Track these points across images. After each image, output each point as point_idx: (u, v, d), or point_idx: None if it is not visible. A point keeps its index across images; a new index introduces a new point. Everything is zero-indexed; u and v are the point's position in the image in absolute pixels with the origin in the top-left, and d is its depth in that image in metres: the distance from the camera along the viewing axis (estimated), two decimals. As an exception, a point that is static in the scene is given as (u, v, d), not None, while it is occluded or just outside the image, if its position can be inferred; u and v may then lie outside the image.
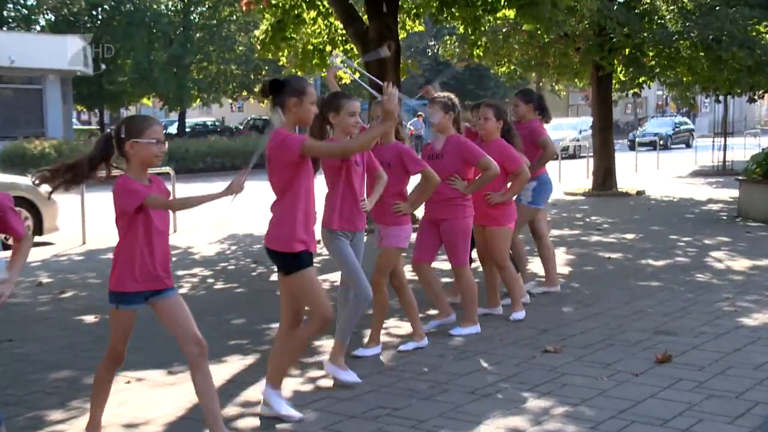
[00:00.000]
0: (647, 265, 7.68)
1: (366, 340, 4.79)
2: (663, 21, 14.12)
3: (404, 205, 4.49)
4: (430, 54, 41.24)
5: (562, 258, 8.04)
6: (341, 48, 12.94)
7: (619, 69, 15.16)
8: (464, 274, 5.05)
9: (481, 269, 5.92)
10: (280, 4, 12.22)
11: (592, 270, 7.47)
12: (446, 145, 5.03)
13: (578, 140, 27.31)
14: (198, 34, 35.40)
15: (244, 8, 12.22)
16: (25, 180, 10.12)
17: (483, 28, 14.44)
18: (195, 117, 47.90)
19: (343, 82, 14.15)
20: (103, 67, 32.05)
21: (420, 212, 5.25)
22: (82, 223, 10.04)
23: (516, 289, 5.48)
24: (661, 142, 29.03)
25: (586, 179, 17.13)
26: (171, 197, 3.36)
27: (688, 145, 23.73)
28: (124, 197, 3.09)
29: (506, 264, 5.36)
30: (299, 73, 13.77)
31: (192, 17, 34.96)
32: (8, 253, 3.12)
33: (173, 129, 37.10)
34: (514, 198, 5.44)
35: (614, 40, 13.65)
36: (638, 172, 20.02)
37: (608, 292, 6.47)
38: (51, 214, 9.69)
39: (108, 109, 36.99)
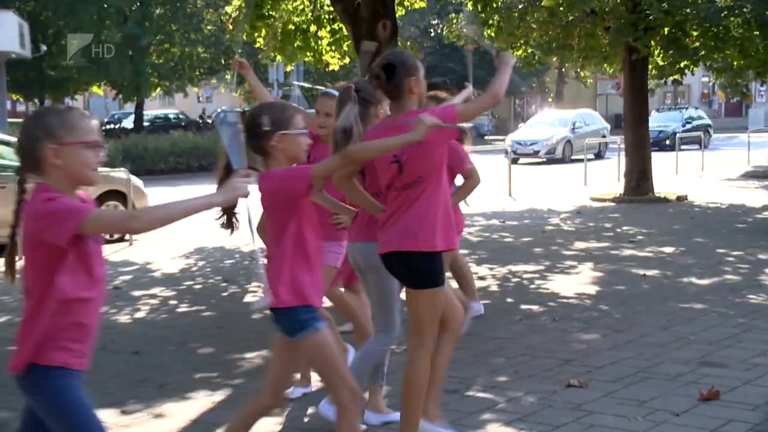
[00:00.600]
0: (690, 284, 7.72)
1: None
2: (709, -6, 14.19)
3: (345, 217, 4.18)
4: (433, 35, 41.39)
5: (588, 275, 8.08)
6: (328, 28, 13.00)
7: (656, 52, 15.23)
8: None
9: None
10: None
11: (624, 290, 7.51)
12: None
13: (570, 140, 26.41)
14: (158, 10, 35.46)
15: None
16: (120, 173, 11.48)
17: (495, 5, 14.56)
18: (155, 109, 47.95)
19: (331, 68, 14.20)
20: (44, 48, 32.05)
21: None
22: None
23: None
24: (667, 142, 27.93)
25: (617, 182, 17.20)
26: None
27: (703, 146, 23.30)
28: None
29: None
30: (278, 58, 13.84)
31: (151, -10, 35.03)
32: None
33: (129, 123, 37.18)
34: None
35: (651, 17, 13.71)
36: (679, 173, 20.10)
37: (643, 315, 6.50)
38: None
39: (50, 98, 36.98)
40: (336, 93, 4.40)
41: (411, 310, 3.62)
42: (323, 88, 4.36)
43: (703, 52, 14.87)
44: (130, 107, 42.04)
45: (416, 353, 3.62)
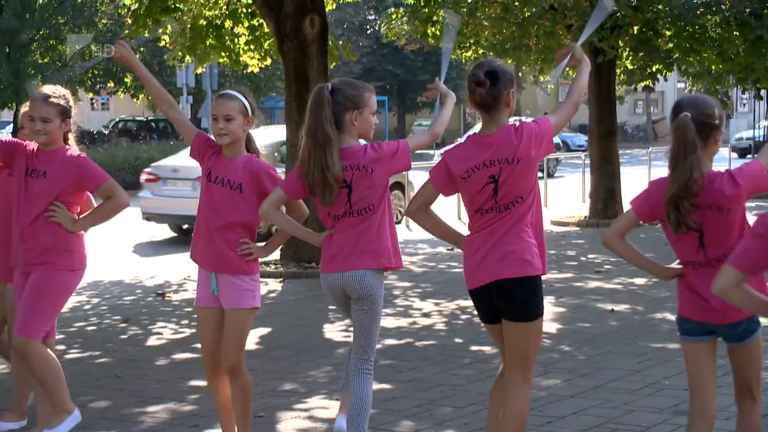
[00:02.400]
0: (663, 320, 7.90)
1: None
2: (684, -11, 14.54)
3: (255, 246, 4.42)
4: (369, 32, 41.70)
5: (548, 311, 8.22)
6: (246, 24, 13.02)
7: (624, 54, 15.60)
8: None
9: None
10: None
11: (590, 327, 7.65)
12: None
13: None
14: (42, 0, 34.96)
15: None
16: None
17: (440, -1, 14.76)
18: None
19: (250, 71, 14.22)
20: None
21: None
22: None
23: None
24: None
25: (581, 203, 17.53)
26: None
27: None
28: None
29: None
30: (187, 58, 13.80)
31: (33, -25, 34.55)
32: None
33: (6, 134, 36.46)
34: None
35: (618, 14, 14.05)
36: (652, 193, 20.53)
37: (611, 357, 6.64)
38: None
39: None
40: (235, 94, 4.44)
41: (516, 345, 3.91)
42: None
43: (677, 55, 15.24)
44: (7, 115, 41.24)
45: (523, 387, 3.94)
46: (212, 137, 4.56)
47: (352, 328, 4.38)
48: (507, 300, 3.89)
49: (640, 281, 9.81)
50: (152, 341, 7.57)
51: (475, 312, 8.65)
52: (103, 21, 35.98)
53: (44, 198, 4.61)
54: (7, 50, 33.85)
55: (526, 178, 3.92)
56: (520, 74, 44.86)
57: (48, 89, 4.76)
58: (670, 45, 15.11)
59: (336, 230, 4.21)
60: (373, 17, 40.50)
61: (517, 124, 4.00)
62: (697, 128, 3.63)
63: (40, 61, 35.21)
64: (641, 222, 3.97)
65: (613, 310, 8.32)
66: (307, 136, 4.20)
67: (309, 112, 4.21)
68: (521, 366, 3.94)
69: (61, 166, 4.64)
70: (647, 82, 16.33)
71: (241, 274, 4.40)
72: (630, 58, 15.64)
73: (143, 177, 14.67)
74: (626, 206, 14.98)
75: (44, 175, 4.63)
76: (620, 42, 14.78)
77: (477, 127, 4.75)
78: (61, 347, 7.33)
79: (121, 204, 4.71)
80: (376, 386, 4.99)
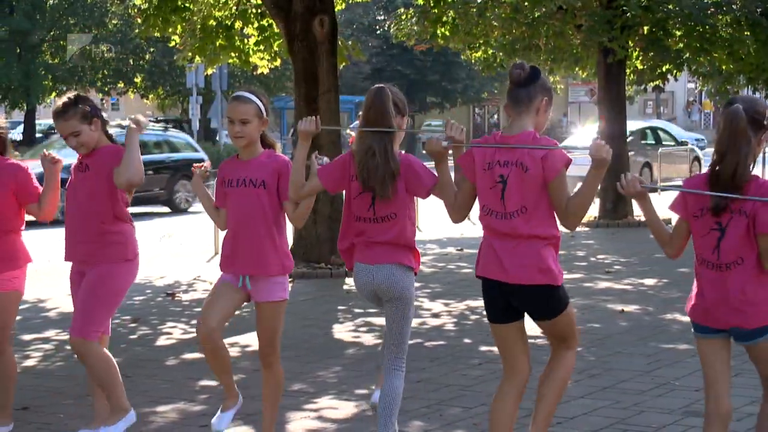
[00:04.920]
0: (674, 321, 7.89)
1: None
2: (694, -11, 14.51)
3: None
4: (379, 32, 41.70)
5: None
6: (256, 24, 13.03)
7: (635, 54, 15.57)
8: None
9: None
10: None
11: (600, 328, 7.64)
12: None
13: None
14: (52, 1, 35.07)
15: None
16: None
17: (450, -1, 14.75)
18: (49, 117, 47.13)
19: (260, 71, 14.22)
20: None
21: None
22: None
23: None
24: None
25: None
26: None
27: (690, 162, 23.58)
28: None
29: None
30: (197, 59, 13.81)
31: (44, -24, 34.65)
32: None
33: (18, 134, 36.59)
34: None
35: (628, 14, 14.03)
36: (662, 194, 20.50)
37: (621, 358, 6.63)
38: None
39: None
40: (250, 96, 4.49)
41: (555, 333, 4.14)
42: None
43: (687, 55, 15.20)
44: (18, 115, 41.39)
45: (570, 353, 4.18)
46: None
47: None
48: (535, 303, 4.09)
49: (650, 282, 9.79)
50: (162, 341, 7.59)
51: (485, 312, 8.68)
52: (113, 21, 36.07)
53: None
54: (18, 51, 33.96)
55: (532, 191, 3.92)
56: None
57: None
58: (681, 45, 15.07)
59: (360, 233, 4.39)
60: (382, 17, 40.50)
61: (538, 135, 4.03)
62: (748, 122, 3.63)
63: (50, 61, 35.33)
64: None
65: (623, 310, 8.31)
66: (370, 131, 4.27)
67: (374, 107, 4.31)
68: (568, 343, 4.17)
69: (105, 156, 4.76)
70: (657, 83, 16.27)
71: (278, 275, 4.56)
72: (640, 58, 15.60)
73: None
74: (636, 207, 14.95)
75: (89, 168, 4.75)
76: (630, 42, 14.74)
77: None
78: (70, 348, 7.35)
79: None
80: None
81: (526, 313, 4.13)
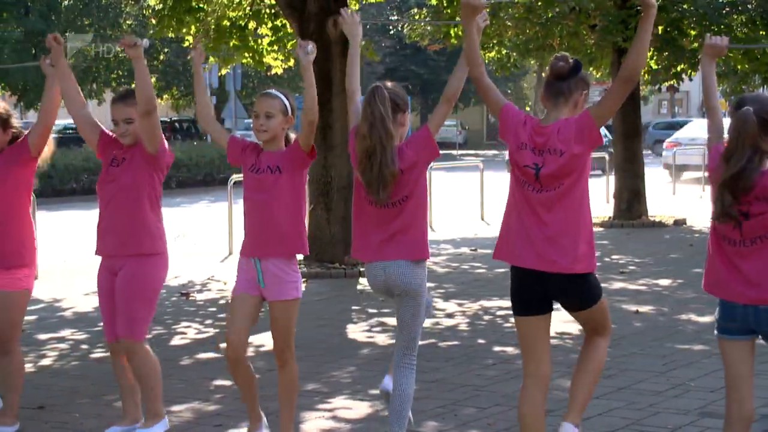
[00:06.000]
0: (689, 321, 7.86)
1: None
2: (710, -12, 14.47)
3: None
4: (392, 32, 41.71)
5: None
6: (269, 24, 13.05)
7: (649, 54, 15.53)
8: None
9: None
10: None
11: (614, 328, 7.55)
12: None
13: None
14: (67, 1, 35.21)
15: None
16: None
17: (464, -1, 14.72)
18: (64, 118, 47.32)
19: (274, 72, 14.24)
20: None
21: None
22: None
23: None
24: None
25: (605, 204, 17.46)
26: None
27: (705, 163, 23.74)
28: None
29: None
30: (211, 59, 13.84)
31: (59, -23, 34.78)
32: None
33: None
34: None
35: (642, 14, 13.98)
36: (677, 194, 20.47)
37: (636, 358, 6.60)
38: None
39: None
40: (277, 93, 4.54)
41: (591, 321, 4.18)
42: None
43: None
44: (33, 116, 41.57)
45: (603, 341, 4.23)
46: (237, 137, 4.81)
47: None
48: (568, 293, 4.14)
49: (664, 282, 9.76)
50: (176, 341, 7.60)
51: (499, 313, 8.67)
52: (128, 22, 36.17)
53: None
54: (34, 52, 34.08)
55: (567, 169, 3.97)
56: (543, 74, 44.76)
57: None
58: (695, 45, 15.01)
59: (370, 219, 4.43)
60: (395, 17, 40.49)
61: (567, 117, 4.08)
62: (759, 124, 3.62)
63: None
64: None
65: (637, 311, 8.28)
66: (369, 133, 4.30)
67: (371, 110, 4.32)
68: (602, 333, 4.23)
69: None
70: (672, 82, 16.24)
71: (288, 257, 4.57)
72: (654, 58, 15.57)
73: None
74: (651, 207, 15.00)
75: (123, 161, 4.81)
76: (645, 42, 14.68)
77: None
78: (86, 347, 7.39)
79: None
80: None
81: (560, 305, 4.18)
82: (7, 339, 5.04)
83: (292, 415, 4.78)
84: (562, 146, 3.97)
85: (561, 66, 4.05)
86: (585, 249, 4.00)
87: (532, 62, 20.24)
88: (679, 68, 15.35)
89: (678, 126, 31.03)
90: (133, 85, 4.84)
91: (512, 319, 8.11)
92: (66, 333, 7.92)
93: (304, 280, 10.15)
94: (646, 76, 16.30)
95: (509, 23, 15.26)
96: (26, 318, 8.56)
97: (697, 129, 27.87)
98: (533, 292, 4.08)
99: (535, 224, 4.02)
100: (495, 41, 15.94)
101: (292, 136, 4.74)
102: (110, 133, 4.98)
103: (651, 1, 3.94)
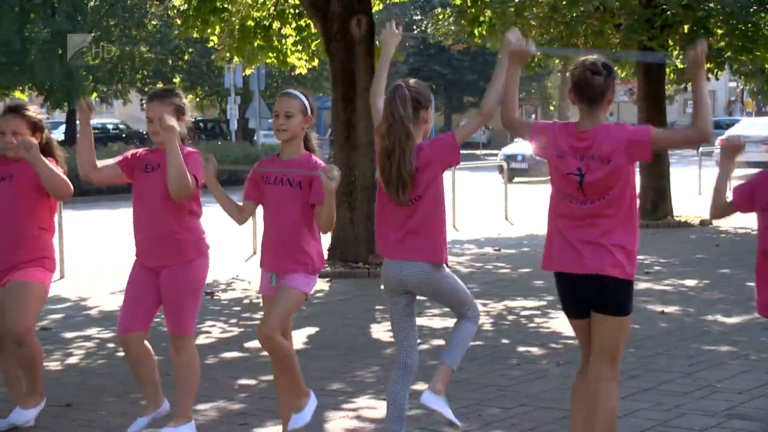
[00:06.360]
0: (715, 322, 7.81)
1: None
2: (736, -14, 14.37)
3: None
4: (416, 32, 41.69)
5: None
6: (293, 24, 13.08)
7: (675, 53, 15.44)
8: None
9: None
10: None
11: (640, 329, 7.57)
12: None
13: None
14: (93, 2, 35.44)
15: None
16: None
17: (488, -2, 14.71)
18: (91, 118, 47.53)
19: (298, 71, 14.27)
20: (-45, 47, 31.79)
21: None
22: None
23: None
24: None
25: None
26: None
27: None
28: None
29: None
30: (236, 59, 13.89)
31: (85, -22, 35.00)
32: None
33: (59, 134, 37.02)
34: None
35: (668, 13, 13.92)
36: (702, 194, 20.32)
37: (662, 359, 6.57)
38: None
39: (-36, 106, 36.70)
40: (297, 93, 4.56)
41: (606, 338, 4.06)
42: None
43: (729, 54, 15.06)
44: (60, 116, 41.88)
45: (611, 385, 4.07)
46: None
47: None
48: (604, 294, 4.07)
49: (690, 283, 9.70)
50: (201, 340, 7.62)
51: (523, 313, 8.66)
52: (152, 22, 36.37)
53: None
54: (60, 52, 34.30)
55: (613, 179, 3.98)
56: (567, 74, 44.54)
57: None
58: (722, 44, 14.92)
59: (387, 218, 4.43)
60: (419, 17, 40.50)
61: (614, 123, 4.11)
62: None
63: (91, 62, 35.66)
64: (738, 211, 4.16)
65: (663, 311, 8.24)
66: (388, 134, 4.30)
67: (391, 110, 4.32)
68: (611, 361, 4.12)
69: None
70: (698, 81, 16.11)
71: (304, 273, 4.60)
72: (680, 57, 15.46)
73: None
74: (676, 207, 14.97)
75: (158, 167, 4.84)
76: (670, 41, 14.63)
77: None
78: (112, 345, 7.43)
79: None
80: (421, 386, 5.00)
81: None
82: (24, 329, 5.03)
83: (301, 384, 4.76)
84: (608, 154, 3.98)
85: (597, 80, 4.04)
86: (625, 256, 4.02)
87: (556, 61, 20.17)
88: (705, 67, 15.23)
89: (725, 125, 30.78)
90: (160, 85, 4.89)
91: (537, 320, 8.16)
92: (92, 332, 7.97)
93: (328, 279, 10.27)
94: (672, 75, 16.21)
95: (533, 22, 15.22)
96: (52, 317, 8.70)
97: (747, 127, 27.64)
98: (575, 296, 4.12)
99: (578, 234, 4.04)
100: (519, 41, 15.87)
101: (313, 139, 4.77)
102: (127, 156, 5.01)
103: (699, 59, 4.03)
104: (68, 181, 5.05)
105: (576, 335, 4.32)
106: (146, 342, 5.02)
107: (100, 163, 4.97)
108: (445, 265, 4.45)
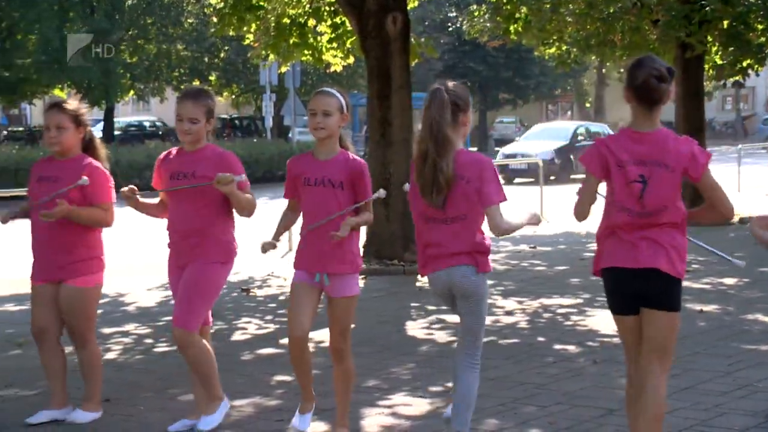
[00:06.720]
0: (755, 321, 7.72)
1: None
2: (776, -19, 14.20)
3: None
4: (451, 29, 41.60)
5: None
6: (329, 22, 13.10)
7: (714, 49, 15.29)
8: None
9: None
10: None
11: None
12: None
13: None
14: (130, 1, 35.75)
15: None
16: None
17: (523, -5, 14.65)
18: (127, 116, 48.17)
19: (333, 69, 14.28)
20: (-5, 46, 32.18)
21: None
22: None
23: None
24: None
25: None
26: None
27: None
28: None
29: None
30: (271, 57, 13.93)
31: (122, -23, 35.30)
32: None
33: (97, 132, 37.34)
34: None
35: (707, 8, 13.77)
36: (741, 191, 20.11)
37: (701, 358, 6.51)
38: None
39: (3, 102, 37.21)
40: (333, 91, 4.57)
41: (659, 334, 4.13)
42: None
43: (769, 49, 14.90)
44: (98, 113, 42.26)
45: (661, 379, 4.10)
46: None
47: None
48: (661, 289, 4.12)
49: (730, 281, 9.60)
50: (237, 336, 7.67)
51: (559, 311, 8.60)
52: (189, 20, 36.62)
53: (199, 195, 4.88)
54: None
55: (673, 188, 4.02)
56: (604, 70, 44.23)
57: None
58: (762, 39, 14.75)
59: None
60: (454, 14, 40.41)
61: (674, 135, 4.12)
62: None
63: (128, 60, 35.98)
64: None
65: (702, 310, 8.16)
66: (426, 138, 4.29)
67: (429, 114, 4.29)
68: (664, 357, 4.16)
69: (208, 162, 4.89)
70: (737, 78, 15.95)
71: (352, 272, 4.70)
72: (719, 53, 15.32)
73: None
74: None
75: (193, 175, 4.89)
76: (709, 37, 14.47)
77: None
78: (150, 341, 7.49)
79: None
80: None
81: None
82: (83, 332, 5.24)
83: (347, 410, 4.88)
84: (672, 163, 4.01)
85: (663, 87, 4.03)
86: (677, 255, 4.09)
87: (592, 58, 20.04)
88: (745, 63, 15.08)
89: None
90: (196, 83, 4.95)
91: (573, 317, 8.11)
92: (130, 327, 8.04)
93: (362, 277, 10.28)
94: (711, 71, 16.04)
95: (570, 19, 15.16)
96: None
97: None
98: (626, 291, 4.13)
99: (634, 234, 4.06)
100: (555, 37, 15.83)
101: (347, 139, 4.78)
102: (157, 181, 5.09)
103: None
104: (253, 198, 5.00)
105: (621, 335, 4.29)
106: (204, 340, 5.05)
107: (161, 205, 5.14)
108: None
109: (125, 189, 4.92)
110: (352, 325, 4.88)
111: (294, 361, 4.80)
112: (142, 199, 5.04)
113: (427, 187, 4.29)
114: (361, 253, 11.36)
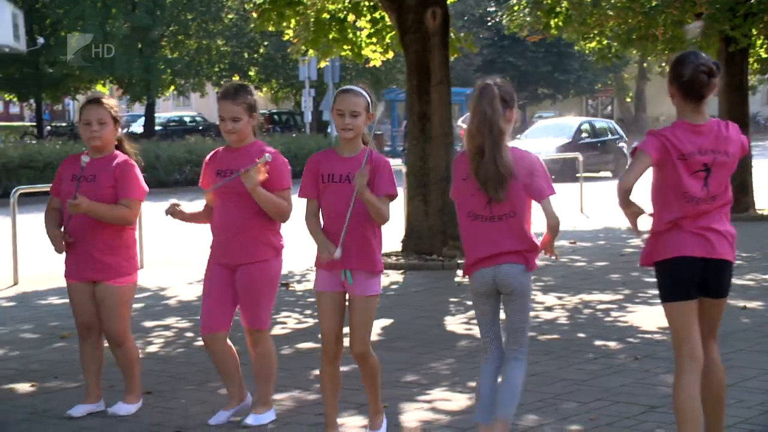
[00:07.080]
0: (799, 318, 7.62)
1: None
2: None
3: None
4: (490, 24, 41.47)
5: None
6: (368, 17, 13.10)
7: (758, 42, 15.10)
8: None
9: None
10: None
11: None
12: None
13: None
14: (172, -3, 35.99)
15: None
16: None
17: (564, -12, 14.56)
18: (168, 111, 48.55)
19: (372, 64, 14.28)
20: (41, 41, 32.63)
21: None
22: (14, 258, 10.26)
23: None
24: None
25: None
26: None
27: None
28: None
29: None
30: (310, 52, 13.95)
31: (163, -26, 35.56)
32: None
33: (138, 127, 37.74)
34: None
35: (752, 1, 13.60)
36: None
37: (744, 355, 6.44)
38: None
39: (47, 98, 37.68)
40: (360, 90, 4.53)
41: (717, 320, 4.38)
42: None
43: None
44: (139, 109, 42.68)
45: (719, 360, 4.40)
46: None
47: (477, 321, 4.45)
48: (723, 278, 4.27)
49: (773, 277, 9.48)
50: (277, 330, 7.70)
51: (599, 306, 8.55)
52: (229, 16, 36.83)
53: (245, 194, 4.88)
54: (140, 46, 34.95)
55: (730, 172, 4.19)
56: (645, 65, 43.85)
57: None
58: (808, 31, 14.54)
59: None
60: (494, 9, 40.26)
61: (723, 122, 4.26)
62: None
63: (169, 56, 36.27)
64: None
65: (745, 306, 8.07)
66: (479, 132, 4.26)
67: (479, 107, 4.28)
68: (717, 338, 4.42)
69: (251, 158, 4.89)
70: (782, 71, 15.74)
71: (376, 270, 4.67)
72: (765, 46, 15.12)
73: None
74: (759, 200, 14.64)
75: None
76: (754, 30, 14.28)
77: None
78: (191, 335, 7.55)
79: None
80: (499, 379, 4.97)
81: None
82: (121, 332, 5.32)
83: (379, 403, 4.87)
84: (732, 148, 4.17)
85: (713, 83, 4.15)
86: (732, 242, 4.27)
87: (634, 52, 19.85)
88: (789, 57, 14.88)
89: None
90: (236, 78, 4.96)
91: (613, 313, 8.05)
92: (171, 321, 8.11)
93: (401, 271, 10.27)
94: (755, 65, 15.84)
95: (611, 12, 15.03)
96: (133, 306, 8.84)
97: None
98: (693, 278, 4.20)
99: (699, 222, 4.18)
100: (596, 31, 15.71)
101: (368, 135, 4.70)
102: (205, 181, 5.10)
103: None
104: (285, 203, 4.99)
105: (680, 321, 4.26)
106: (228, 340, 5.12)
107: (207, 210, 5.14)
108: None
109: (168, 207, 4.98)
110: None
111: (324, 367, 4.81)
112: (188, 210, 5.07)
113: (490, 182, 4.25)
114: (400, 248, 11.38)
